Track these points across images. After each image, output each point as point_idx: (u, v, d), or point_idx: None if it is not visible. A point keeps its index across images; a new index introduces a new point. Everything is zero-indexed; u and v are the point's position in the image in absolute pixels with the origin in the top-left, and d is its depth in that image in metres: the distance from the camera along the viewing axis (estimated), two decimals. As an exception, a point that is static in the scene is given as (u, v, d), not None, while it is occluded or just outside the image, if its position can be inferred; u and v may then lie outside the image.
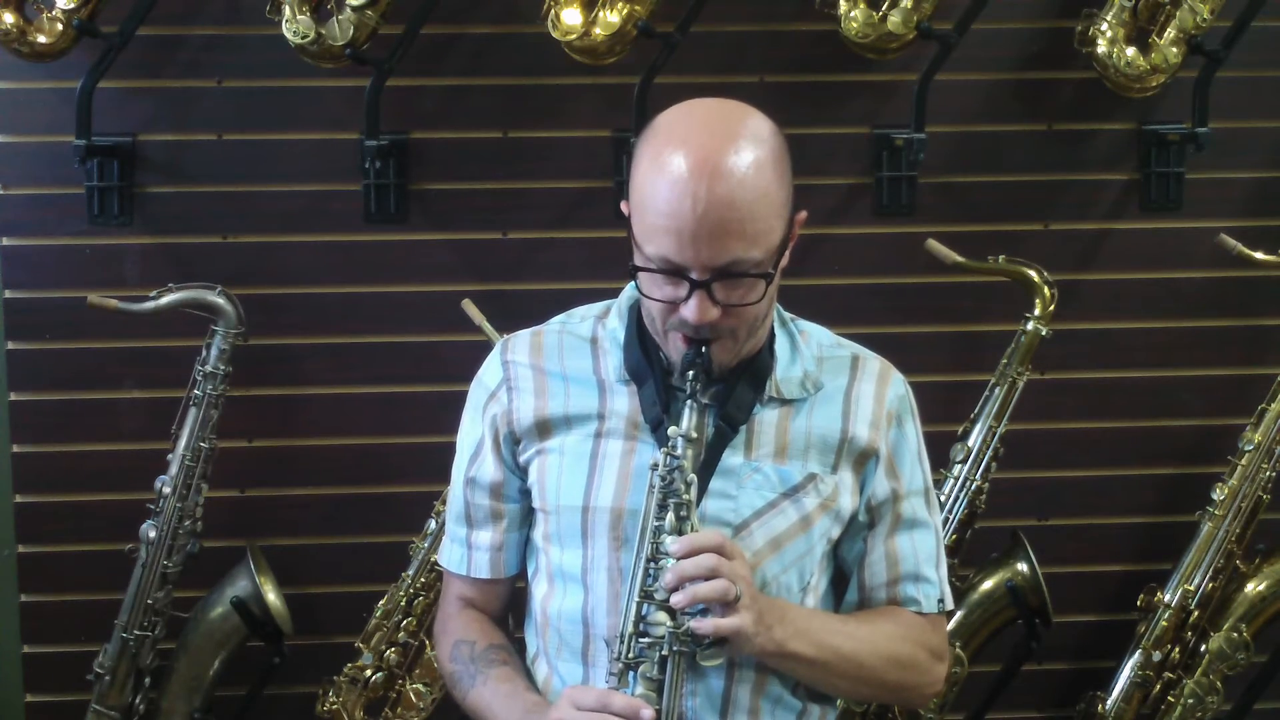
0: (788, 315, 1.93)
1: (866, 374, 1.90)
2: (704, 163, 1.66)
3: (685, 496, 1.72)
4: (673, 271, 1.70)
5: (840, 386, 1.88)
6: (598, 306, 1.95)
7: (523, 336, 1.94)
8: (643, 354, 1.84)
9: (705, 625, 1.68)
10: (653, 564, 1.72)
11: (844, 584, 1.94)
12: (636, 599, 1.72)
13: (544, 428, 1.88)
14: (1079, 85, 2.92)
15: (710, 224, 1.65)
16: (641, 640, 1.70)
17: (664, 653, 1.69)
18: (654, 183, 1.68)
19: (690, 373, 1.75)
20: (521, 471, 1.91)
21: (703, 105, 1.75)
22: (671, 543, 1.70)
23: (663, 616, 1.70)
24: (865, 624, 1.86)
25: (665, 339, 1.79)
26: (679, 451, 1.73)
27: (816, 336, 1.93)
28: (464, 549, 1.96)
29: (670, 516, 1.72)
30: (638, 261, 1.74)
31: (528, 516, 1.93)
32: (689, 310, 1.70)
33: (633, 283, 1.80)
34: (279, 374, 2.90)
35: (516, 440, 1.90)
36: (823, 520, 1.84)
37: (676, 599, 1.68)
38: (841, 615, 1.90)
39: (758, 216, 1.68)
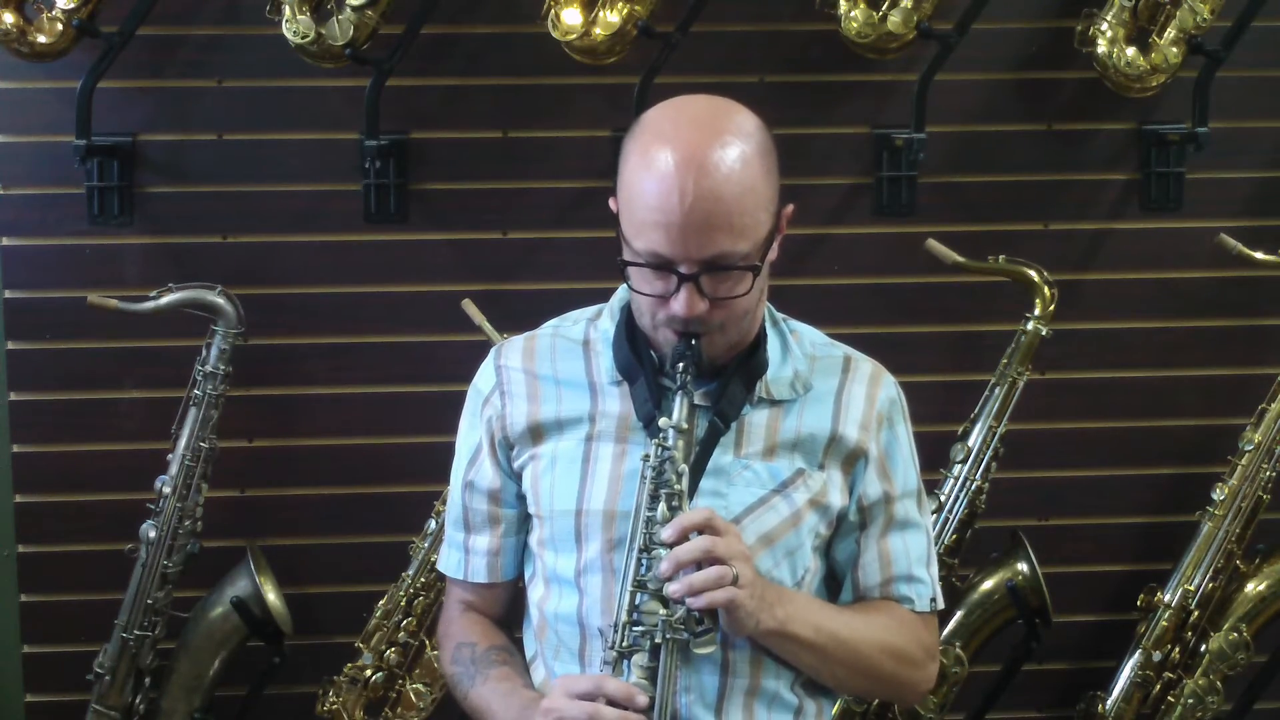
0: (779, 315, 1.94)
1: (859, 376, 1.91)
2: (690, 158, 1.68)
3: (677, 487, 1.73)
4: (661, 265, 1.72)
5: (832, 387, 1.89)
6: (591, 309, 1.96)
7: (516, 342, 1.96)
8: (632, 352, 1.84)
9: (700, 600, 1.68)
10: (645, 554, 1.73)
11: (836, 585, 1.94)
12: (630, 588, 1.72)
13: (536, 432, 1.89)
14: (1079, 85, 2.92)
15: (697, 217, 1.67)
16: (635, 629, 1.71)
17: (657, 640, 1.70)
18: (641, 178, 1.70)
19: (680, 365, 1.76)
20: (516, 477, 1.92)
21: (689, 102, 1.78)
22: (663, 530, 1.71)
23: (656, 605, 1.71)
24: (862, 615, 1.88)
25: (655, 334, 1.81)
26: (670, 442, 1.74)
27: (809, 336, 1.94)
28: (461, 554, 1.97)
29: (662, 507, 1.73)
30: (626, 256, 1.75)
31: (525, 521, 1.94)
32: (678, 304, 1.72)
33: (624, 284, 1.81)
34: (279, 374, 2.90)
35: (510, 445, 1.91)
36: (811, 515, 1.85)
37: (673, 589, 1.69)
38: (839, 605, 1.91)
39: (744, 210, 1.70)
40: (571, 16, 2.71)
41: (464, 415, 1.97)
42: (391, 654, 2.74)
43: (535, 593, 1.92)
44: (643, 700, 1.68)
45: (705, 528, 1.71)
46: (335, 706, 2.75)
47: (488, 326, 2.69)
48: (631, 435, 1.84)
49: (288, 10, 2.66)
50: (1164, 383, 2.99)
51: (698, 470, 1.80)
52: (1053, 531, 2.98)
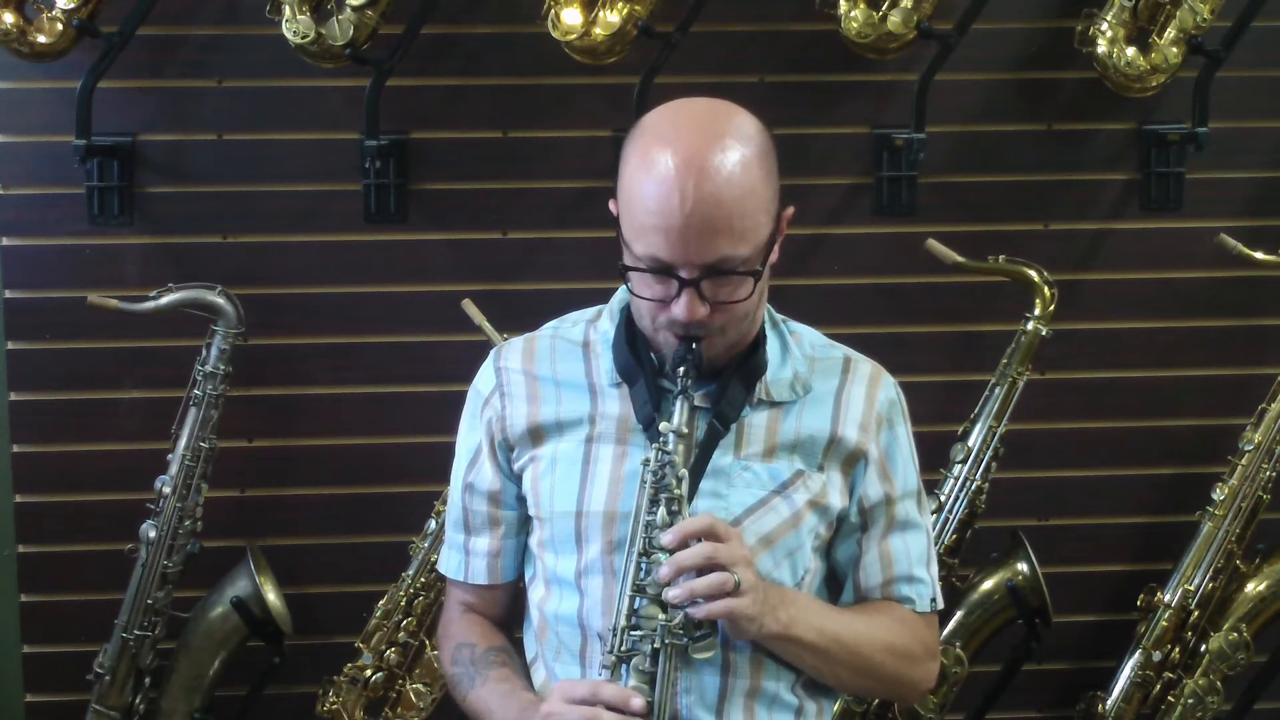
0: (779, 316, 1.93)
1: (858, 377, 1.91)
2: (690, 161, 1.67)
3: (677, 491, 1.73)
4: (662, 270, 1.71)
5: (831, 388, 1.89)
6: (590, 311, 1.96)
7: (515, 343, 1.96)
8: (632, 354, 1.84)
9: (700, 610, 1.69)
10: (645, 559, 1.73)
11: (836, 586, 1.95)
12: (629, 592, 1.72)
13: (536, 434, 1.89)
14: (1079, 85, 2.92)
15: (698, 222, 1.67)
16: (634, 633, 1.71)
17: (656, 645, 1.70)
18: (642, 182, 1.70)
19: (681, 369, 1.75)
20: (516, 478, 1.92)
21: (689, 105, 1.77)
22: (664, 535, 1.70)
23: (655, 609, 1.71)
24: (863, 615, 1.88)
25: (655, 336, 1.81)
26: (670, 447, 1.74)
27: (808, 337, 1.94)
28: (462, 555, 1.97)
29: (662, 511, 1.72)
30: (627, 261, 1.75)
31: (525, 523, 1.94)
32: (679, 309, 1.72)
33: (624, 285, 1.81)
34: (279, 374, 2.90)
35: (510, 447, 1.91)
36: (811, 516, 1.85)
37: (674, 594, 1.68)
38: (840, 607, 1.92)
39: (745, 213, 1.69)
40: (571, 16, 2.71)
41: (464, 417, 1.97)
42: (391, 654, 2.74)
43: (536, 594, 1.92)
44: (639, 704, 1.67)
45: (707, 534, 1.71)
46: (335, 706, 2.75)
47: (488, 326, 2.69)
48: (631, 437, 1.84)
49: (288, 10, 2.66)
50: (1164, 383, 2.99)
51: (697, 472, 1.80)
52: (1053, 531, 2.98)
